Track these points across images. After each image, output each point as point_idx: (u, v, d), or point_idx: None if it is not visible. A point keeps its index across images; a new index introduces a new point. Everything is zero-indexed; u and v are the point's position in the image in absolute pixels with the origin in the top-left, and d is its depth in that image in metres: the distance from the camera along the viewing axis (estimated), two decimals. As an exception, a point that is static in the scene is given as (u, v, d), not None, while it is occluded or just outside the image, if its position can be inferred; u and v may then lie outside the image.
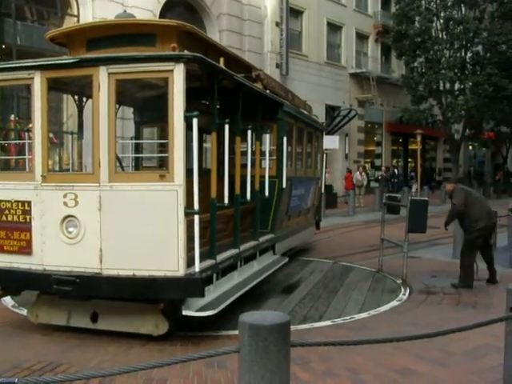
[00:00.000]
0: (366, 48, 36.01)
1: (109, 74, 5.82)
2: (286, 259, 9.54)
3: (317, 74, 30.30)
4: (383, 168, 31.95)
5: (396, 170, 32.57)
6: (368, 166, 34.97)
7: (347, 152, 33.15)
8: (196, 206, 5.73)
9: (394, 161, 40.28)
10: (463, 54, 30.56)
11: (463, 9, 31.26)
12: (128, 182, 5.92)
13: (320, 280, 9.58)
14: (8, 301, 6.84)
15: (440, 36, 30.20)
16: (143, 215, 5.76)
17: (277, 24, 27.61)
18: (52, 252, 6.01)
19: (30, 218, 6.06)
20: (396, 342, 4.91)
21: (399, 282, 9.25)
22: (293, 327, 6.57)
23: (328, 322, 6.98)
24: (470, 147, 48.54)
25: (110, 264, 5.81)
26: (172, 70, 5.70)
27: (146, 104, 8.98)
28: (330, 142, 25.99)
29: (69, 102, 21.68)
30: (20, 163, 10.92)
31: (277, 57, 27.80)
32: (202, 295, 5.90)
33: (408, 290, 8.63)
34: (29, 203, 6.09)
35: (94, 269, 5.83)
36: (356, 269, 10.66)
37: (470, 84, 30.07)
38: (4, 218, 6.18)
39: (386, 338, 3.91)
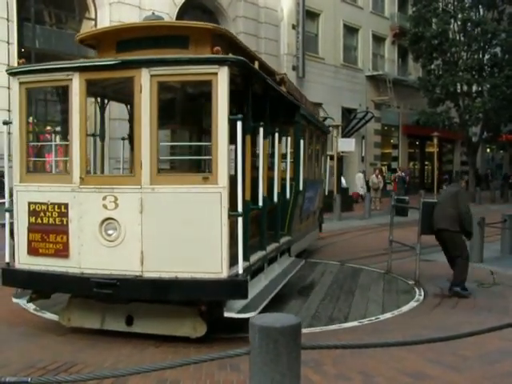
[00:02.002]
0: (383, 50, 35.92)
1: (151, 75, 5.80)
2: (303, 261, 9.58)
3: (333, 76, 30.28)
4: (399, 169, 31.78)
5: (403, 173, 31.44)
6: (384, 168, 34.72)
7: (363, 155, 33.06)
8: (240, 209, 5.79)
9: (411, 163, 40.04)
10: (481, 55, 30.28)
11: (481, 10, 30.99)
12: (170, 185, 5.89)
13: (333, 281, 9.62)
14: (22, 302, 6.87)
15: (457, 38, 29.97)
16: (186, 217, 5.76)
17: (293, 26, 27.65)
18: (90, 255, 5.94)
19: (67, 221, 5.99)
20: (410, 346, 4.91)
21: (411, 283, 9.28)
22: (323, 327, 6.70)
23: (355, 323, 7.06)
24: (488, 150, 48.09)
25: (151, 267, 5.79)
26: (216, 73, 5.73)
27: (179, 106, 9.00)
28: (347, 144, 25.96)
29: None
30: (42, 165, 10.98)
31: (293, 59, 27.85)
32: (246, 297, 5.90)
33: (422, 292, 8.57)
34: (66, 205, 6.01)
35: (135, 271, 5.81)
36: (365, 270, 10.70)
37: (488, 86, 29.80)
38: (39, 220, 6.11)
39: (399, 342, 3.90)
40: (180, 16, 22.99)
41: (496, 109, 29.11)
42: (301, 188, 9.14)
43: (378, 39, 35.39)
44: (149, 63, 5.82)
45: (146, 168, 5.83)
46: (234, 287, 5.80)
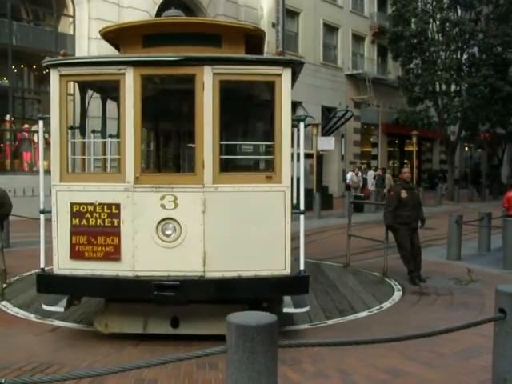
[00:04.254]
0: (363, 49, 36.10)
1: (214, 74, 5.70)
2: None
3: (313, 75, 30.33)
4: (379, 169, 32.00)
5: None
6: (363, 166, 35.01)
7: (343, 153, 33.19)
8: (302, 207, 5.95)
9: (391, 162, 40.32)
10: (459, 55, 30.55)
11: (459, 11, 31.28)
12: (234, 184, 5.81)
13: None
14: (59, 309, 6.49)
15: (436, 38, 30.21)
16: (249, 216, 5.75)
17: (273, 25, 27.64)
18: (146, 257, 5.70)
19: (119, 222, 5.69)
20: (388, 343, 4.95)
21: (377, 274, 9.80)
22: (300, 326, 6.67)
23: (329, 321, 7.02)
24: (466, 149, 48.61)
25: (213, 266, 5.70)
26: (280, 75, 5.76)
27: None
28: (326, 143, 26.09)
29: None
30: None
31: (273, 58, 27.81)
32: (307, 292, 6.00)
33: (401, 290, 8.64)
34: (117, 206, 5.70)
35: (197, 272, 5.69)
36: (327, 265, 10.92)
37: (466, 85, 30.08)
38: (84, 222, 5.73)
39: (376, 339, 3.92)
40: (159, 14, 22.85)
41: (474, 108, 29.44)
42: None
43: (358, 38, 35.55)
44: (212, 61, 5.74)
45: (209, 167, 5.73)
46: (298, 283, 5.89)
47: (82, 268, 5.73)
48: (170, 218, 5.69)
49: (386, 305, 7.82)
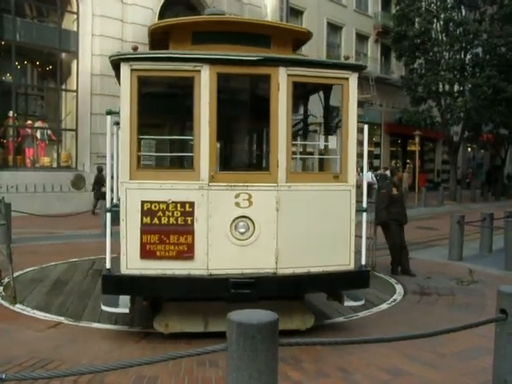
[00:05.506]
0: (366, 48, 36.03)
1: (288, 75, 5.83)
2: None
3: (316, 73, 30.26)
4: (382, 168, 32.01)
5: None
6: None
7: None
8: (364, 204, 6.27)
9: (393, 161, 40.30)
10: (463, 55, 30.50)
11: (463, 11, 31.22)
12: (305, 183, 5.99)
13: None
14: (122, 310, 6.17)
15: (440, 38, 30.15)
16: (318, 214, 5.93)
17: (277, 23, 27.61)
18: (220, 255, 5.71)
19: (193, 220, 5.66)
20: (389, 343, 4.95)
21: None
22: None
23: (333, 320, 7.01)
24: (469, 149, 48.53)
25: (285, 263, 5.81)
26: (347, 78, 6.04)
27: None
28: (329, 141, 26.03)
29: (67, 99, 21.72)
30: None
31: (276, 56, 27.78)
32: (368, 286, 6.29)
33: (402, 290, 8.63)
34: (191, 204, 5.66)
35: (270, 269, 5.78)
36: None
37: (469, 86, 30.05)
38: (156, 220, 5.64)
39: (377, 339, 3.92)
40: (163, 11, 22.85)
41: (477, 108, 29.36)
42: None
43: (362, 37, 35.49)
44: (287, 62, 5.87)
45: (283, 166, 5.85)
46: (360, 278, 6.15)
47: (152, 268, 5.65)
48: (245, 216, 5.75)
49: (388, 305, 7.81)
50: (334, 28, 33.06)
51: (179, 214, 5.64)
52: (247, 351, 2.86)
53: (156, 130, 8.62)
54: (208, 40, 6.27)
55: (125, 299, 6.04)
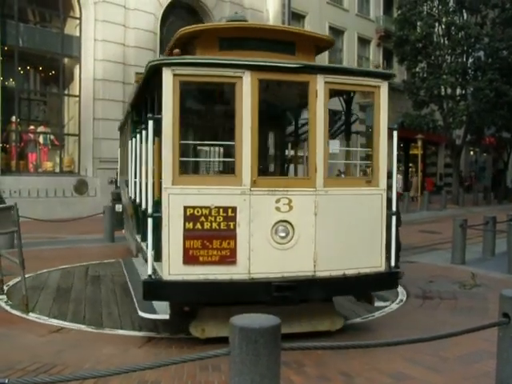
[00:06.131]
0: (368, 52, 36.09)
1: (325, 82, 5.98)
2: None
3: (318, 78, 30.31)
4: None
5: None
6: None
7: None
8: (394, 208, 6.43)
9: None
10: (464, 59, 30.52)
11: (465, 14, 31.25)
12: (340, 187, 6.19)
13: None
14: (162, 317, 6.03)
15: (441, 41, 30.19)
16: (352, 218, 6.08)
17: (279, 28, 27.66)
18: (261, 259, 5.76)
19: (235, 225, 5.69)
20: (390, 347, 4.94)
21: None
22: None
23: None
24: (472, 153, 48.52)
25: (322, 266, 5.94)
26: (379, 87, 6.24)
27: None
28: (331, 146, 26.04)
29: (70, 104, 21.79)
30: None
31: (278, 61, 27.83)
32: (397, 286, 6.71)
33: (405, 294, 8.62)
34: (233, 209, 5.69)
35: (308, 272, 5.90)
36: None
37: (472, 89, 30.05)
38: (198, 226, 5.63)
39: (379, 342, 3.93)
40: (165, 16, 22.93)
41: (479, 112, 29.38)
42: None
43: (364, 41, 35.56)
44: (324, 70, 6.06)
45: (320, 171, 5.99)
46: (391, 279, 6.40)
47: (194, 273, 5.65)
48: (285, 221, 5.83)
49: (390, 308, 7.81)
50: (336, 32, 33.09)
51: (222, 219, 5.67)
52: (250, 355, 2.87)
53: (195, 136, 8.76)
54: (235, 46, 6.33)
55: (161, 305, 5.97)
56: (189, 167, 8.26)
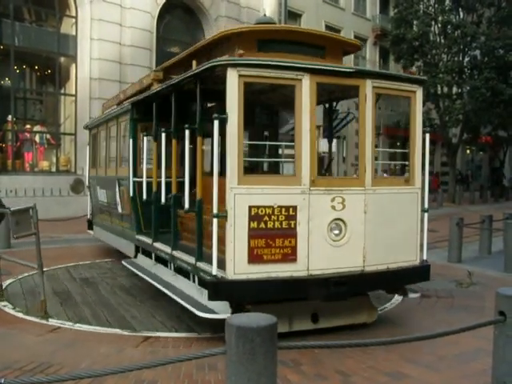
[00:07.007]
0: (365, 51, 36.10)
1: (373, 87, 6.29)
2: None
3: (315, 76, 30.32)
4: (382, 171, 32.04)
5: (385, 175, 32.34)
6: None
7: (344, 155, 33.19)
8: (426, 205, 6.87)
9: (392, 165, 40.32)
10: (461, 58, 30.59)
11: (461, 13, 31.31)
12: (385, 186, 6.54)
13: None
14: (220, 316, 5.88)
15: (438, 40, 30.25)
16: (394, 214, 6.47)
17: (275, 27, 27.66)
18: (318, 256, 5.95)
19: (295, 224, 5.84)
20: (387, 346, 4.95)
21: None
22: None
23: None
24: (468, 151, 48.60)
25: (370, 261, 6.23)
26: (415, 92, 6.64)
27: None
28: (322, 145, 26.05)
29: (66, 103, 21.75)
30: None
31: (275, 59, 27.83)
32: (429, 279, 6.88)
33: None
34: (294, 208, 5.85)
35: (358, 267, 6.18)
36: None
37: (468, 88, 30.13)
38: (262, 225, 5.72)
39: (376, 341, 3.92)
40: (161, 15, 22.90)
41: (476, 110, 29.45)
42: None
43: (360, 40, 35.26)
44: (372, 75, 6.40)
45: (369, 171, 6.30)
46: (424, 271, 6.73)
47: (257, 272, 5.72)
48: (339, 219, 6.09)
49: (387, 307, 7.82)
50: (332, 31, 32.96)
51: (283, 218, 5.81)
52: (246, 354, 2.86)
53: (254, 136, 8.98)
54: (271, 48, 6.52)
55: (218, 304, 5.95)
56: (252, 167, 8.49)
